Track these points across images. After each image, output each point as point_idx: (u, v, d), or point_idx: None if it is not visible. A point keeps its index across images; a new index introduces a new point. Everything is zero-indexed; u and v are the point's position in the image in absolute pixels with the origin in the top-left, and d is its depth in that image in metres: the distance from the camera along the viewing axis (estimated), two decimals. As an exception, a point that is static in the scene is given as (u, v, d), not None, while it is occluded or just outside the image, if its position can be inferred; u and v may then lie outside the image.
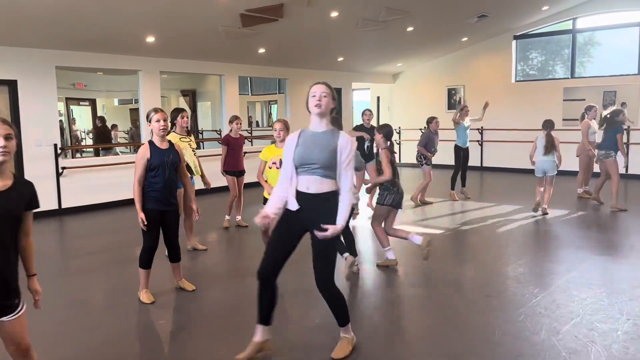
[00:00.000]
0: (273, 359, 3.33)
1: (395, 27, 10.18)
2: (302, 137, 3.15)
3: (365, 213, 7.40)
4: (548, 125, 7.69)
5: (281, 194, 3.18)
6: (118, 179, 8.83)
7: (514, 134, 12.68)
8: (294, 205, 3.13)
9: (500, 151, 13.13)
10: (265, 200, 3.31)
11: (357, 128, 8.39)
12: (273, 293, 3.19)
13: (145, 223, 4.15)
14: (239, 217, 7.26)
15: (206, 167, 6.98)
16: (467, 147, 9.25)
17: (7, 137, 2.29)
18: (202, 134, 14.89)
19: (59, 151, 8.36)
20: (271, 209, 3.20)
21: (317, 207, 3.08)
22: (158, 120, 4.24)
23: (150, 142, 4.28)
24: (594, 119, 8.92)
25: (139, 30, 8.07)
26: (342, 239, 4.93)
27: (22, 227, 2.41)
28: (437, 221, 7.54)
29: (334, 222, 3.04)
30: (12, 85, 7.91)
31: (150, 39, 8.43)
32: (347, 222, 5.14)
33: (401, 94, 15.22)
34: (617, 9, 11.75)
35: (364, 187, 6.01)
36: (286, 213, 3.19)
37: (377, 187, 5.39)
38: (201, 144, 11.82)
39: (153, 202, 4.19)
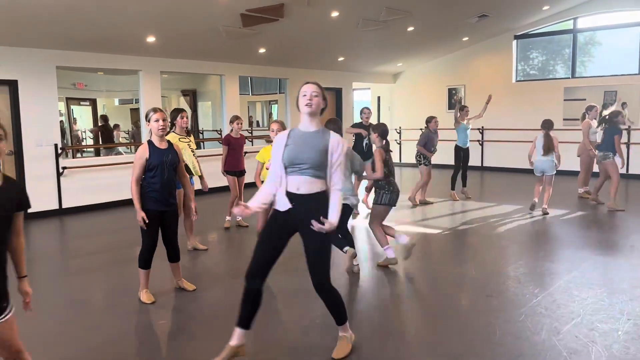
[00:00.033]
0: (275, 359, 3.33)
1: (396, 27, 10.17)
2: (292, 137, 3.10)
3: (365, 213, 7.40)
4: (547, 125, 7.69)
5: (268, 191, 3.13)
6: (118, 179, 8.83)
7: (515, 133, 12.67)
8: (283, 206, 3.08)
9: (500, 151, 13.12)
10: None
11: (356, 126, 8.56)
12: (258, 297, 3.13)
13: (147, 221, 4.14)
14: (239, 217, 7.27)
15: (207, 167, 6.99)
16: (468, 147, 9.25)
17: None
18: (202, 134, 14.89)
19: (59, 151, 8.36)
20: (254, 204, 3.15)
21: (308, 208, 3.04)
22: (157, 120, 4.24)
23: (149, 142, 4.28)
24: (595, 119, 8.92)
25: (139, 30, 8.07)
26: (339, 235, 4.96)
27: (12, 228, 2.37)
28: (437, 221, 7.54)
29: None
30: (12, 85, 7.92)
31: (151, 39, 8.43)
32: (346, 222, 5.19)
33: (402, 93, 15.22)
34: (618, 9, 11.74)
35: (362, 186, 6.02)
36: (275, 214, 3.14)
37: (374, 188, 5.42)
38: (202, 144, 11.83)
39: (152, 202, 4.19)
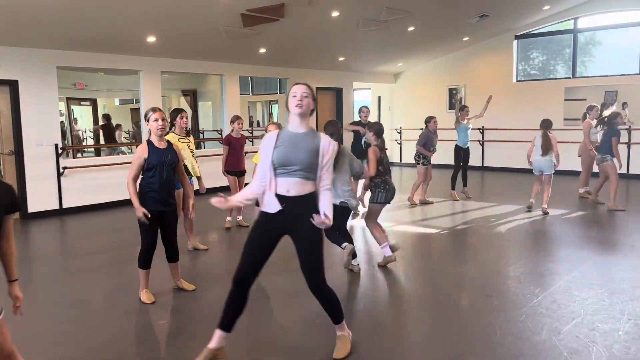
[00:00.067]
0: (275, 359, 3.32)
1: (396, 27, 10.17)
2: (281, 138, 3.06)
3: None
4: (545, 124, 7.68)
5: (255, 190, 3.11)
6: (119, 179, 8.80)
7: (515, 133, 12.65)
8: (272, 208, 3.04)
9: (501, 151, 13.11)
10: (258, 203, 3.26)
11: (355, 124, 8.67)
12: (244, 300, 3.10)
13: (149, 216, 4.11)
14: (239, 217, 7.28)
15: (207, 167, 6.99)
16: (468, 148, 9.25)
17: None
18: (203, 133, 14.89)
19: (59, 151, 8.36)
20: (238, 198, 3.19)
21: (299, 210, 3.00)
22: (156, 120, 4.24)
23: (149, 142, 4.27)
24: (596, 118, 8.92)
25: (139, 30, 8.07)
26: (337, 232, 4.96)
27: (2, 232, 2.33)
28: (437, 221, 7.53)
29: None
30: (13, 85, 7.92)
31: (151, 39, 8.43)
32: (345, 222, 5.19)
33: (402, 93, 15.21)
34: (618, 9, 11.73)
35: (361, 187, 6.03)
36: (263, 216, 3.10)
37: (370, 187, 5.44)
38: (202, 144, 11.83)
39: (151, 202, 4.18)
